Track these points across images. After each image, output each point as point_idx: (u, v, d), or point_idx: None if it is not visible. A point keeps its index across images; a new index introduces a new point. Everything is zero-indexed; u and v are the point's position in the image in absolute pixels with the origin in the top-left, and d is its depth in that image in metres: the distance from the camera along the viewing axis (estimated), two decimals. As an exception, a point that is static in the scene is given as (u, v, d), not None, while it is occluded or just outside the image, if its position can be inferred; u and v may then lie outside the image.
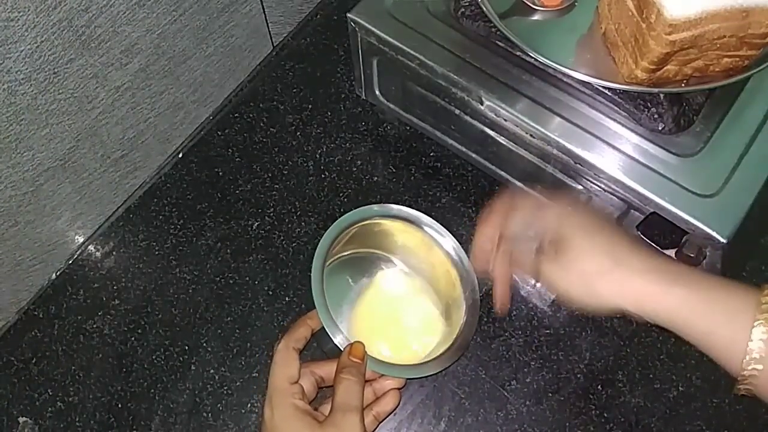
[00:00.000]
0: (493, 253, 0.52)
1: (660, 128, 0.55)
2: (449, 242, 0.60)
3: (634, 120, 0.55)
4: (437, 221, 0.60)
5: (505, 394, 0.62)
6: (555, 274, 0.48)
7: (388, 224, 0.61)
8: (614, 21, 0.54)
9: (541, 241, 0.49)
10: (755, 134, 0.54)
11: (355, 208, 0.66)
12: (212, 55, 0.73)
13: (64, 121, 0.60)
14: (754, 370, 0.41)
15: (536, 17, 0.57)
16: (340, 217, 0.58)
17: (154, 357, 0.64)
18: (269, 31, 0.80)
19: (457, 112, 0.63)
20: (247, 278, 0.67)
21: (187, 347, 0.64)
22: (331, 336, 0.52)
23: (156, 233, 0.70)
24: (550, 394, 0.62)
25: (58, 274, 0.69)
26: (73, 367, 0.64)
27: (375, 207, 0.60)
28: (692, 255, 0.55)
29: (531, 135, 0.57)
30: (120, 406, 0.62)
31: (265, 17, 0.77)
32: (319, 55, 0.79)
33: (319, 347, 0.53)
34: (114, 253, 0.70)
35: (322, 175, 0.72)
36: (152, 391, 0.63)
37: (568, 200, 0.52)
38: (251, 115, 0.76)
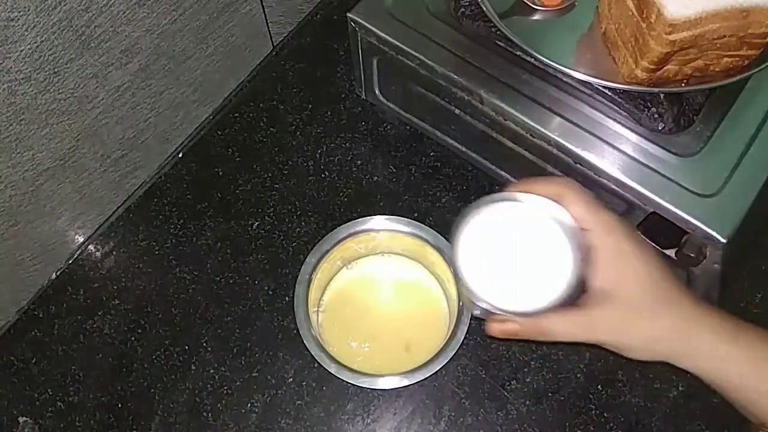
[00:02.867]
0: None
1: (660, 128, 0.55)
2: (440, 240, 0.60)
3: (634, 120, 0.55)
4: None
5: (505, 394, 0.62)
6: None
7: (373, 235, 0.62)
8: (614, 21, 0.54)
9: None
10: (755, 134, 0.54)
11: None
12: (212, 54, 0.72)
13: (64, 121, 0.60)
14: None
15: (536, 17, 0.57)
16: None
17: (154, 357, 0.64)
18: (269, 31, 0.80)
19: (457, 112, 0.63)
20: (247, 278, 0.67)
21: (187, 347, 0.64)
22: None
23: (156, 233, 0.70)
24: (550, 394, 0.62)
25: (58, 274, 0.69)
26: (73, 367, 0.64)
27: (351, 225, 0.61)
28: (692, 255, 0.55)
29: (531, 135, 0.57)
30: (120, 406, 0.62)
31: (265, 17, 0.77)
32: (319, 55, 0.79)
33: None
34: (114, 253, 0.70)
35: (322, 175, 0.72)
36: (152, 391, 0.63)
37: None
38: (251, 115, 0.76)
